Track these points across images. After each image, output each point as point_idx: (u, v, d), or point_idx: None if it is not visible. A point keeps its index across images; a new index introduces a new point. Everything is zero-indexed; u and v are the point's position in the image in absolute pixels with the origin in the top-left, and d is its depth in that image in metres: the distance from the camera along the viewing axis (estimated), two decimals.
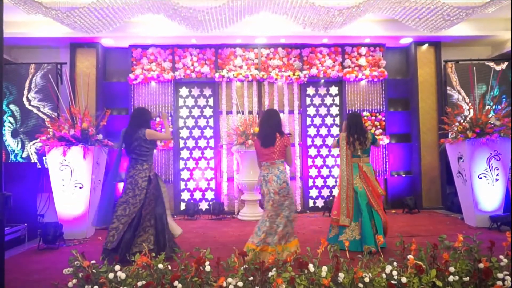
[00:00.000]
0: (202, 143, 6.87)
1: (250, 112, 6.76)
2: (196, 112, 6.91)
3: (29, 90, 6.25)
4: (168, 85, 6.76)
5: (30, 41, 6.38)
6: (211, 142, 6.85)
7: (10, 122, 6.20)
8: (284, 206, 3.54)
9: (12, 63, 6.54)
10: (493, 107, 5.59)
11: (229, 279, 2.43)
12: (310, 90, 7.02)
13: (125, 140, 3.85)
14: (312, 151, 6.95)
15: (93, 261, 2.59)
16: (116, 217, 3.69)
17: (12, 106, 6.21)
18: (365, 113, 6.86)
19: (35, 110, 6.24)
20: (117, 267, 2.52)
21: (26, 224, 4.81)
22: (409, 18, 5.29)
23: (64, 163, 4.83)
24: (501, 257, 2.60)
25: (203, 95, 6.94)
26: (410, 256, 2.53)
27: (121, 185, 6.59)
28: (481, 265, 2.47)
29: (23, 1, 4.67)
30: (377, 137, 6.70)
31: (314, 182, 6.92)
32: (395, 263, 2.57)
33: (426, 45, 6.97)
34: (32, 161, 6.13)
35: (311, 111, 6.99)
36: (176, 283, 2.38)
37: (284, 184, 3.53)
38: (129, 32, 6.32)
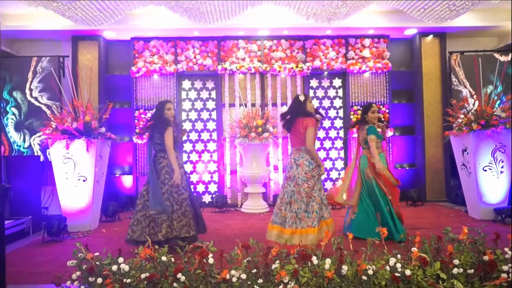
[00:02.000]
0: (205, 136, 6.86)
1: (253, 105, 6.73)
2: (198, 105, 6.89)
3: (32, 83, 6.25)
4: (170, 78, 6.73)
5: (31, 34, 6.36)
6: (214, 135, 6.84)
7: (13, 114, 6.20)
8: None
9: (14, 56, 6.53)
10: (499, 99, 5.52)
11: (233, 272, 2.43)
12: (313, 82, 6.97)
13: (177, 133, 3.92)
14: (316, 144, 6.90)
15: (97, 253, 2.60)
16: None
17: (15, 94, 6.20)
18: None
19: (37, 104, 6.24)
20: (121, 259, 2.53)
21: (30, 216, 4.85)
22: (414, 9, 5.23)
23: (67, 156, 4.84)
24: (506, 249, 2.59)
25: (205, 88, 6.91)
26: (414, 249, 2.53)
27: (127, 178, 6.68)
28: (486, 258, 2.46)
29: None
30: None
31: None
32: (399, 256, 2.56)
33: (431, 36, 6.88)
34: (36, 154, 6.15)
35: (314, 103, 6.93)
36: (179, 275, 2.39)
37: None
38: (131, 25, 6.29)
